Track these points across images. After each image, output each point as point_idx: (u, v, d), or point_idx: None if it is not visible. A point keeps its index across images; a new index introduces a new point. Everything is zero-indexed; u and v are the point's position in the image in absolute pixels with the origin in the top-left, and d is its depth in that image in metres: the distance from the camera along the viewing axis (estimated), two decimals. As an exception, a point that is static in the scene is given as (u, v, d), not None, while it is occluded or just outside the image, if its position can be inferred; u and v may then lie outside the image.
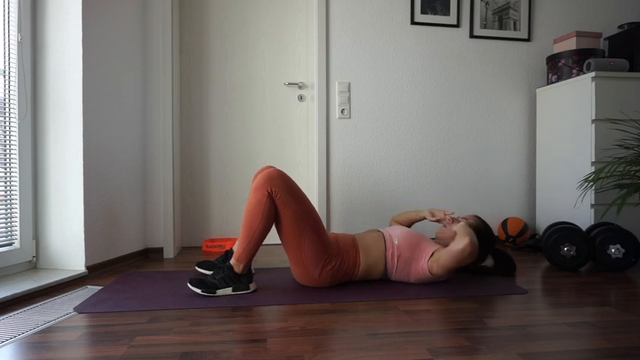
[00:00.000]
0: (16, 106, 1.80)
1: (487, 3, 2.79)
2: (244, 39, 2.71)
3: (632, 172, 1.95)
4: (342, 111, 2.68)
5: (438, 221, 1.86)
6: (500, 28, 2.82)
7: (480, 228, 1.84)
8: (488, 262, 2.07)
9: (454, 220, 1.82)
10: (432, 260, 1.66)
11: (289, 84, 2.72)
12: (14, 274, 1.77)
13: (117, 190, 2.12)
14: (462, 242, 1.60)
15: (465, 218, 1.87)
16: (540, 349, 1.12)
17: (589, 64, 2.33)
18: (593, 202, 2.29)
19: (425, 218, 1.92)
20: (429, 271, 1.67)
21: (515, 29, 2.83)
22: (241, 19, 2.71)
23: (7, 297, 1.47)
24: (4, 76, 1.76)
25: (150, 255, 2.40)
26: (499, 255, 1.94)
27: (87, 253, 1.89)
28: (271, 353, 1.09)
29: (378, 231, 1.80)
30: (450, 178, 2.80)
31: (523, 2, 2.82)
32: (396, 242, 1.70)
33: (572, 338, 1.19)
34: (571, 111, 2.45)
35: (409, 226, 2.04)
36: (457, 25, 2.76)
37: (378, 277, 1.75)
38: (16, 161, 1.81)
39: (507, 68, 2.84)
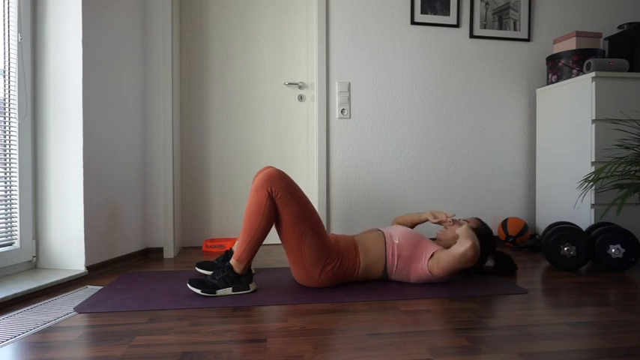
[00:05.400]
0: (16, 106, 1.80)
1: (487, 3, 2.79)
2: (244, 39, 2.71)
3: (632, 172, 1.95)
4: (342, 111, 2.68)
5: (439, 223, 1.86)
6: (500, 28, 2.82)
7: (481, 231, 1.84)
8: (489, 263, 2.08)
9: (455, 222, 1.82)
10: (432, 261, 1.66)
11: (289, 84, 2.72)
12: (14, 274, 1.77)
13: (117, 190, 2.12)
14: (464, 245, 1.60)
15: (466, 221, 1.87)
16: (540, 349, 1.12)
17: (589, 64, 2.33)
18: (593, 202, 2.29)
19: (427, 220, 1.92)
20: (429, 271, 1.67)
21: (515, 29, 2.82)
22: (241, 19, 2.71)
23: (7, 297, 1.47)
24: (4, 76, 1.76)
25: (150, 255, 2.40)
26: (500, 257, 1.94)
27: (87, 253, 1.89)
28: (271, 353, 1.09)
29: (379, 230, 1.80)
30: (450, 178, 2.80)
31: (523, 2, 2.82)
32: (397, 241, 1.70)
33: (572, 338, 1.19)
34: (571, 111, 2.45)
35: (412, 227, 2.04)
36: (457, 25, 2.76)
37: (378, 276, 1.75)
38: (16, 161, 1.81)
39: (507, 68, 2.84)
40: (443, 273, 1.65)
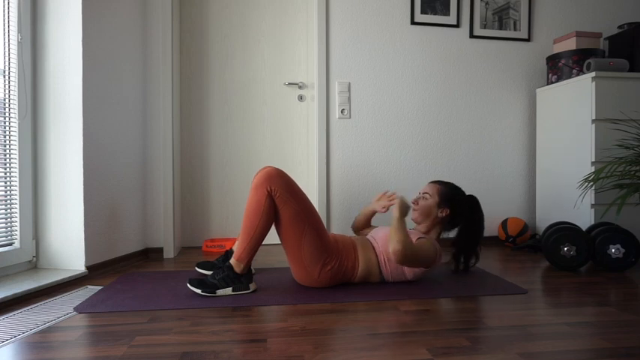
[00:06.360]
0: (16, 106, 1.80)
1: (487, 3, 2.79)
2: (244, 39, 2.71)
3: (632, 172, 1.95)
4: (342, 111, 2.68)
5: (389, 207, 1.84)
6: (500, 28, 2.81)
7: (443, 193, 1.82)
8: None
9: (417, 201, 1.83)
10: None
11: (289, 84, 2.72)
12: (14, 274, 1.77)
13: (117, 190, 2.12)
14: (390, 248, 1.60)
15: (423, 195, 1.84)
16: (540, 349, 1.12)
17: (589, 64, 2.33)
18: (593, 202, 2.29)
19: (377, 211, 1.91)
20: None
21: (515, 29, 2.82)
22: (241, 19, 2.71)
23: (7, 297, 1.47)
24: (4, 76, 1.76)
25: (150, 255, 2.40)
26: (472, 212, 1.89)
27: (87, 253, 1.89)
28: (271, 353, 1.09)
29: (366, 238, 1.79)
30: (450, 178, 2.80)
31: (523, 2, 2.82)
32: (381, 248, 1.71)
33: (572, 338, 1.19)
34: (571, 111, 2.45)
35: (369, 221, 2.04)
36: (457, 25, 2.76)
37: (377, 281, 1.75)
38: (16, 161, 1.81)
39: (507, 68, 2.84)
40: (424, 263, 1.66)
